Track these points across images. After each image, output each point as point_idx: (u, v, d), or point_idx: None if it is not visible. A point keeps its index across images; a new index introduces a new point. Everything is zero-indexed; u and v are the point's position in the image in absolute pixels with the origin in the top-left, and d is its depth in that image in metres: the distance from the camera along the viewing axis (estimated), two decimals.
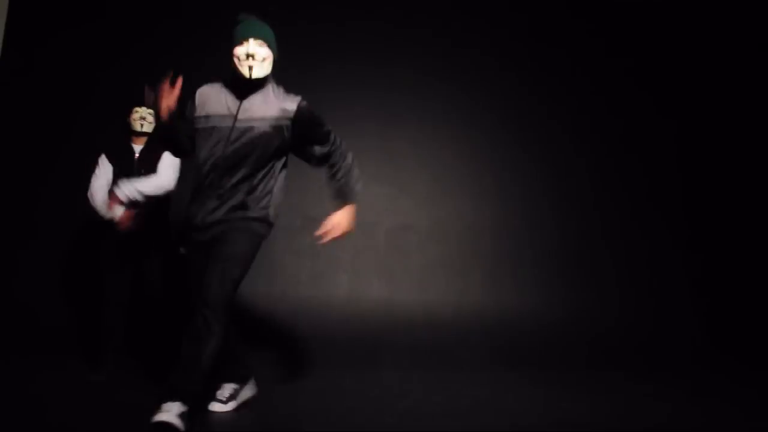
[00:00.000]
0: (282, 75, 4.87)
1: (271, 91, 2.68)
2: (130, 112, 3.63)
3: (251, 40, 2.59)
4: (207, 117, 2.65)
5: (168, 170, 3.54)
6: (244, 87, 2.64)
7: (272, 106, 2.63)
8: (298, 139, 2.68)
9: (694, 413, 3.24)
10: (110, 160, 3.60)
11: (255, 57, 2.58)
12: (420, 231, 5.02)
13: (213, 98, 2.67)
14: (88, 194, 3.55)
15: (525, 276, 5.09)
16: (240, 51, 2.59)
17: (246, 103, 2.63)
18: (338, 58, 5.08)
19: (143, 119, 3.61)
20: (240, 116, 2.61)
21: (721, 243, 5.35)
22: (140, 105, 3.63)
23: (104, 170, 3.59)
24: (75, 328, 4.18)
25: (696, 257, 5.37)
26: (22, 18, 4.70)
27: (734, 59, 5.50)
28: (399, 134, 5.09)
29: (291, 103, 2.65)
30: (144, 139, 3.64)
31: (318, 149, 2.74)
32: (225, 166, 2.59)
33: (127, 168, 3.55)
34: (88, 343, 3.81)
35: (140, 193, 3.32)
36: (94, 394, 3.05)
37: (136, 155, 3.61)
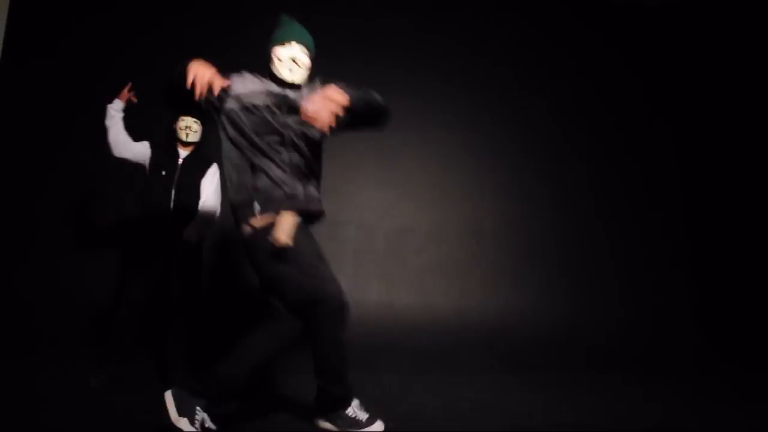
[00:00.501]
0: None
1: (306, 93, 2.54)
2: (176, 120, 3.67)
3: (295, 44, 2.52)
4: (252, 105, 2.44)
5: (214, 195, 3.65)
6: (284, 86, 2.53)
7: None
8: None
9: (693, 415, 3.24)
10: (154, 153, 3.63)
11: (298, 62, 2.51)
12: (420, 234, 5.03)
13: (252, 86, 2.49)
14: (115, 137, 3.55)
15: (525, 279, 5.09)
16: (283, 52, 2.52)
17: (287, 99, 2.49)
18: (337, 60, 5.08)
19: (188, 128, 3.65)
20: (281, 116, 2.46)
21: (719, 247, 5.36)
22: (187, 114, 3.65)
23: (141, 148, 3.61)
24: (82, 330, 4.16)
25: (695, 261, 5.38)
26: (22, 16, 4.71)
27: (734, 63, 5.51)
28: (398, 137, 5.10)
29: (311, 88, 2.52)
30: (190, 148, 3.69)
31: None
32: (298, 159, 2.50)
33: (170, 169, 3.59)
34: (98, 347, 3.71)
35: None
36: (95, 397, 3.06)
37: (180, 161, 3.64)
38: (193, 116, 3.67)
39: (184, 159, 3.66)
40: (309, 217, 2.54)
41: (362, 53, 5.14)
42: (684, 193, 5.50)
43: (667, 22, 5.63)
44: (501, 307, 4.94)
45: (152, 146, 3.65)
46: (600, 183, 5.38)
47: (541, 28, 5.49)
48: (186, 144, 3.68)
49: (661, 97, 5.58)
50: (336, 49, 5.09)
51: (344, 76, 4.93)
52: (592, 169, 5.39)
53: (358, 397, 2.65)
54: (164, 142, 3.72)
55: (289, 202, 2.42)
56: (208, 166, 3.69)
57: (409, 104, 5.13)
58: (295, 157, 2.48)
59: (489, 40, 5.37)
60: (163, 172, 3.57)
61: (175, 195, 3.54)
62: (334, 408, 2.56)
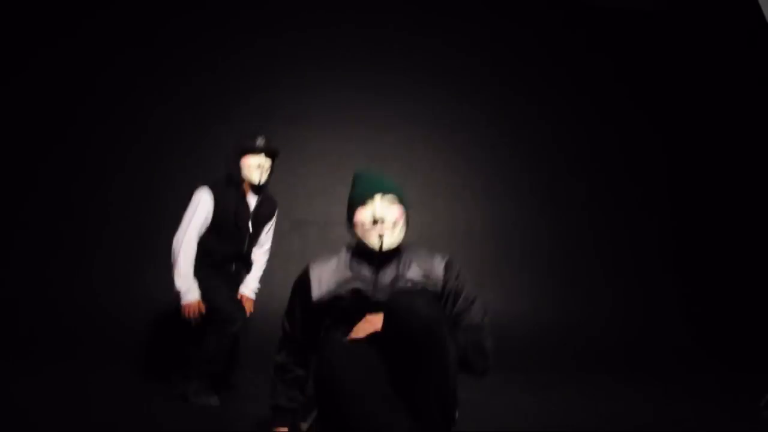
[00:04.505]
0: (272, 81, 4.85)
1: (412, 258, 2.19)
2: (238, 159, 3.06)
3: (377, 199, 2.08)
4: (335, 297, 2.08)
5: (270, 240, 3.39)
6: (375, 258, 2.13)
7: (413, 270, 2.15)
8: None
9: (682, 415, 3.25)
10: (219, 207, 3.03)
11: (385, 222, 2.07)
12: (408, 234, 5.00)
13: (335, 275, 2.12)
14: (178, 240, 2.91)
15: (514, 279, 5.10)
16: (365, 216, 2.07)
17: (381, 275, 2.11)
18: (327, 62, 5.08)
19: (261, 166, 3.05)
20: (378, 292, 2.06)
21: (708, 246, 5.39)
22: (252, 151, 3.04)
23: (203, 212, 2.98)
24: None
25: (684, 261, 5.40)
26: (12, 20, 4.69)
27: (723, 67, 5.55)
28: (387, 139, 5.10)
29: (438, 264, 2.19)
30: (257, 191, 3.14)
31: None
32: None
33: (242, 223, 3.08)
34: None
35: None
36: (98, 402, 3.01)
37: (251, 209, 3.13)
38: (263, 153, 3.06)
39: (256, 208, 3.14)
40: None
41: (351, 57, 5.13)
42: (671, 194, 5.52)
43: (656, 27, 5.66)
44: (490, 307, 4.90)
45: (213, 196, 3.00)
46: (589, 184, 5.40)
47: (532, 31, 5.50)
48: (255, 187, 3.09)
49: (650, 99, 5.59)
50: (325, 54, 5.09)
51: (334, 79, 4.98)
52: (581, 171, 5.40)
53: None
54: (227, 187, 3.07)
55: None
56: (274, 210, 3.26)
57: (398, 105, 5.12)
58: None
59: (479, 42, 5.37)
60: (227, 223, 3.02)
61: (247, 246, 3.17)
62: None
